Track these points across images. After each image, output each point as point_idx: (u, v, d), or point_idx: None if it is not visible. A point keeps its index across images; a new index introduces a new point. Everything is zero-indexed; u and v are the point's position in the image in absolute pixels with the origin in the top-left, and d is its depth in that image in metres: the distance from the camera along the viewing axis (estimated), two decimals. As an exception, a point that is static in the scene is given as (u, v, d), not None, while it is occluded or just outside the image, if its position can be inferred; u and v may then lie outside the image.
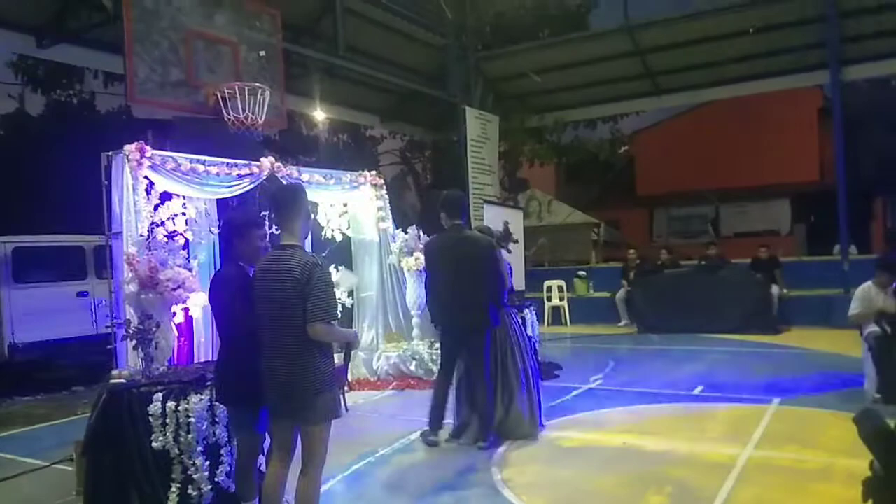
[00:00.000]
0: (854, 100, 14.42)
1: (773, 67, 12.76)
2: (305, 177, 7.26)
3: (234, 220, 3.88)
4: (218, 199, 6.37)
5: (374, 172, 8.26)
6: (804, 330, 10.64)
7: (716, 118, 19.51)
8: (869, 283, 6.36)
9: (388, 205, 8.20)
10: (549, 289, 13.37)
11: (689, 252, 14.40)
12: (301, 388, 3.24)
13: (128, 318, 4.77)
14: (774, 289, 11.05)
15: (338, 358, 3.54)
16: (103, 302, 9.07)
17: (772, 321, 10.72)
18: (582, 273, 14.22)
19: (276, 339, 3.29)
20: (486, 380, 5.38)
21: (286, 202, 3.49)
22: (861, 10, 11.13)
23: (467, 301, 5.34)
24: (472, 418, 5.54)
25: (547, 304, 13.16)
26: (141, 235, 5.29)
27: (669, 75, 13.68)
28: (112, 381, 4.21)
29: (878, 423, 2.57)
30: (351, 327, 8.03)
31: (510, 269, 6.14)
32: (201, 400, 3.98)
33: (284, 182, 6.63)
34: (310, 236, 7.35)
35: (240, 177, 6.43)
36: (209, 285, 3.81)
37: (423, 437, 5.53)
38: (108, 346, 5.22)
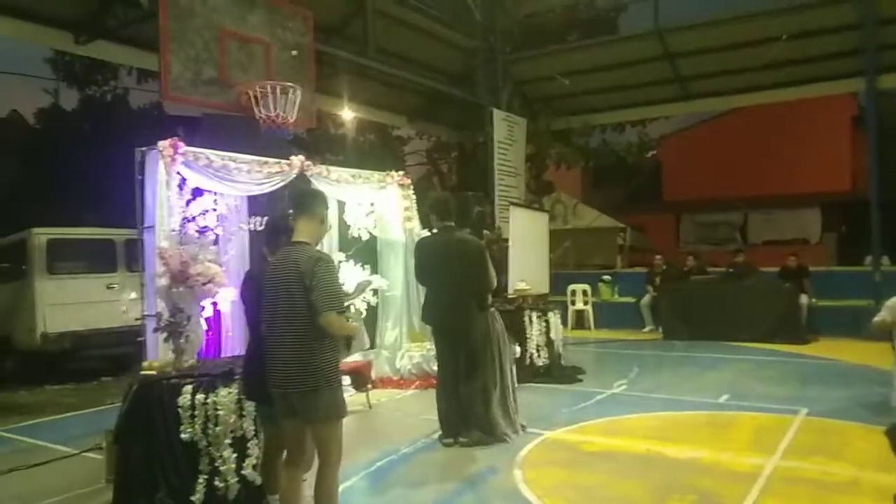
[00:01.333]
0: (888, 109, 14.16)
1: (806, 75, 12.58)
2: (334, 176, 7.33)
3: (279, 219, 3.91)
4: (248, 196, 6.46)
5: (401, 172, 8.32)
6: (832, 340, 10.48)
7: (745, 124, 19.30)
8: (897, 297, 6.25)
9: (414, 205, 8.24)
10: (574, 292, 13.32)
11: (716, 259, 14.24)
12: (300, 383, 3.27)
13: (159, 311, 4.86)
14: (803, 298, 10.88)
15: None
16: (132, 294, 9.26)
17: (800, 331, 10.57)
18: (607, 277, 14.14)
19: (280, 333, 3.33)
20: (471, 379, 5.44)
21: (304, 203, 3.57)
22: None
23: (454, 301, 5.42)
24: (454, 416, 5.57)
25: (571, 308, 13.11)
26: (173, 230, 5.38)
27: (699, 80, 13.55)
28: (143, 372, 4.29)
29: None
30: (374, 326, 8.13)
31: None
32: (230, 393, 4.04)
33: (308, 184, 6.71)
34: (336, 235, 7.52)
35: (270, 174, 6.51)
36: (242, 281, 3.88)
37: (440, 439, 5.60)
38: (139, 339, 5.32)
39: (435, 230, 5.80)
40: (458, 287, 5.43)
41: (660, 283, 12.54)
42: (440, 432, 5.62)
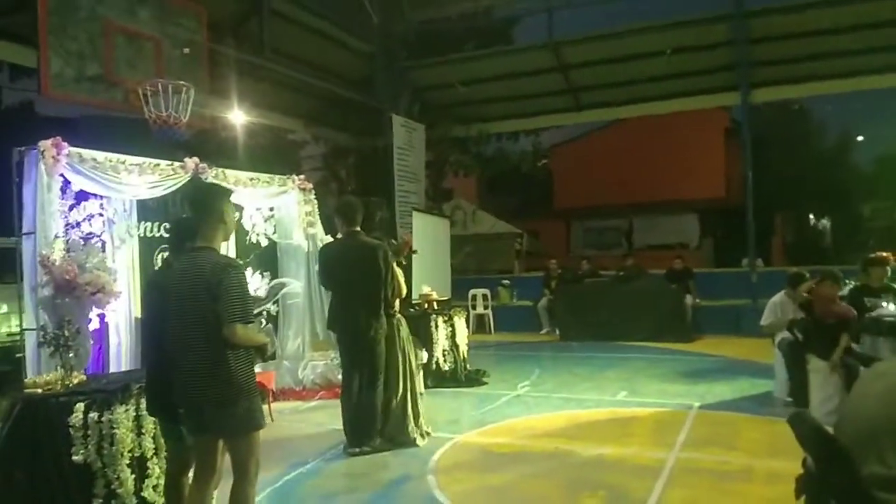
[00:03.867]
0: (757, 122, 15.32)
1: (687, 88, 13.38)
2: (231, 179, 7.07)
3: (184, 223, 3.63)
4: (138, 200, 6.08)
5: (302, 176, 8.12)
6: (715, 338, 11.14)
7: (630, 135, 20.30)
8: (781, 293, 6.73)
9: (316, 210, 8.05)
10: (475, 297, 13.47)
11: (605, 263, 14.85)
12: (215, 397, 3.08)
13: (42, 324, 4.48)
14: (688, 298, 11.52)
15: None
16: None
17: (686, 329, 11.17)
18: (506, 282, 14.41)
19: (187, 345, 3.12)
20: (372, 387, 5.39)
21: (203, 204, 3.33)
22: (768, 37, 11.84)
23: (359, 307, 5.36)
24: (357, 424, 5.50)
25: (472, 312, 13.23)
26: (56, 236, 4.98)
27: (590, 91, 14.12)
28: (27, 390, 3.92)
29: (812, 424, 2.69)
30: (276, 335, 7.85)
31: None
32: (126, 410, 3.76)
33: (205, 182, 6.40)
34: (233, 241, 7.23)
35: (163, 177, 6.17)
36: (145, 289, 3.62)
37: (345, 450, 5.45)
38: (18, 355, 4.88)
39: (340, 235, 5.69)
40: (364, 293, 5.35)
41: (556, 286, 12.90)
42: (345, 442, 5.49)
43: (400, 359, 5.62)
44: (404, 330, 5.79)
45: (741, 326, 10.87)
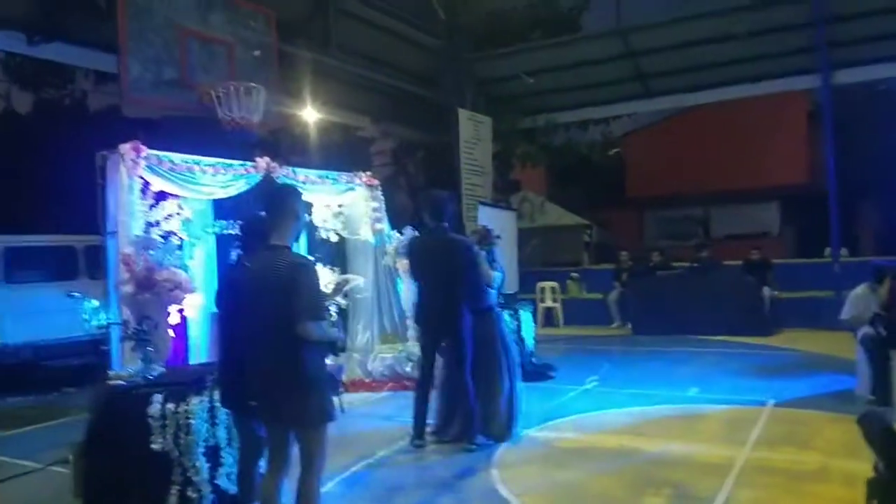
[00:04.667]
0: (842, 104, 14.55)
1: (763, 71, 12.83)
2: (301, 177, 7.25)
3: (256, 222, 3.77)
4: (214, 200, 6.34)
5: (368, 173, 8.25)
6: (795, 331, 10.72)
7: (706, 121, 19.62)
8: (863, 285, 6.42)
9: (383, 206, 8.18)
10: (542, 290, 13.39)
11: (681, 254, 14.46)
12: (289, 390, 3.21)
13: (125, 319, 4.74)
14: (766, 290, 11.10)
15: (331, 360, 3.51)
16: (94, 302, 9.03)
17: (764, 323, 10.78)
18: (575, 274, 14.25)
19: (262, 340, 3.25)
20: (466, 380, 5.38)
21: (277, 203, 3.46)
22: (851, 15, 11.22)
23: (445, 302, 5.38)
24: (453, 418, 5.57)
25: (540, 306, 13.16)
26: (137, 236, 5.25)
27: (660, 78, 13.72)
28: (110, 382, 4.17)
29: (882, 424, 2.59)
30: (346, 329, 8.05)
31: (502, 270, 6.13)
32: (201, 401, 3.95)
33: (278, 183, 6.60)
34: (304, 237, 7.43)
35: (235, 177, 6.40)
36: (218, 286, 3.78)
37: (411, 442, 5.53)
38: (103, 348, 5.18)
39: (426, 230, 5.70)
40: (448, 288, 5.37)
41: (626, 278, 12.67)
42: (412, 434, 5.55)
43: (502, 353, 5.62)
44: (503, 324, 5.83)
45: (823, 320, 10.36)
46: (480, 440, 5.39)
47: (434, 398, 5.65)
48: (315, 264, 3.52)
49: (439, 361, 5.64)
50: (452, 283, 5.36)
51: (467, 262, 5.39)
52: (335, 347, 3.46)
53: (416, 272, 5.71)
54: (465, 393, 5.38)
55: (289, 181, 6.97)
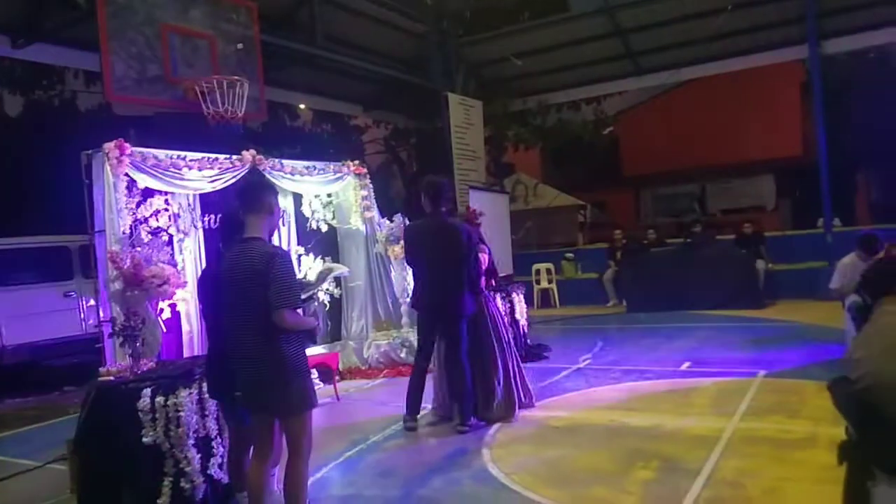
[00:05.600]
0: (834, 74, 14.49)
1: (752, 44, 12.77)
2: (288, 168, 7.27)
3: (233, 215, 3.82)
4: (201, 194, 6.37)
5: (356, 162, 8.27)
6: (790, 303, 10.77)
7: (698, 96, 19.51)
8: (851, 254, 6.45)
9: (372, 194, 8.20)
10: (538, 272, 13.44)
11: (678, 231, 14.48)
12: (270, 378, 3.28)
13: (114, 315, 4.79)
14: (760, 263, 11.15)
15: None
16: (90, 301, 9.10)
17: (757, 296, 10.83)
18: (569, 255, 14.29)
19: (241, 330, 3.32)
20: (463, 363, 5.44)
21: (250, 198, 3.51)
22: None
23: (444, 286, 5.42)
24: (450, 401, 5.65)
25: (536, 287, 13.23)
26: (124, 233, 5.29)
27: (650, 55, 13.68)
28: (100, 378, 4.22)
29: (849, 388, 2.63)
30: (340, 317, 8.11)
31: (489, 251, 6.19)
32: (190, 394, 4.00)
33: (255, 177, 6.63)
34: (294, 228, 7.48)
35: (221, 171, 6.42)
36: (198, 280, 3.83)
37: (403, 422, 5.60)
38: (97, 345, 5.24)
39: (426, 215, 5.73)
40: (451, 272, 5.40)
41: (621, 257, 12.72)
42: (405, 414, 5.60)
43: (493, 335, 5.69)
44: (493, 306, 5.88)
45: (817, 290, 10.41)
46: (473, 422, 5.46)
47: (433, 379, 5.71)
48: (296, 255, 3.57)
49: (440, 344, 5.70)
50: (454, 267, 5.40)
51: (467, 247, 5.43)
52: (314, 336, 3.52)
53: (414, 258, 5.70)
54: (462, 375, 5.44)
55: (275, 173, 7.01)
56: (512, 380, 5.72)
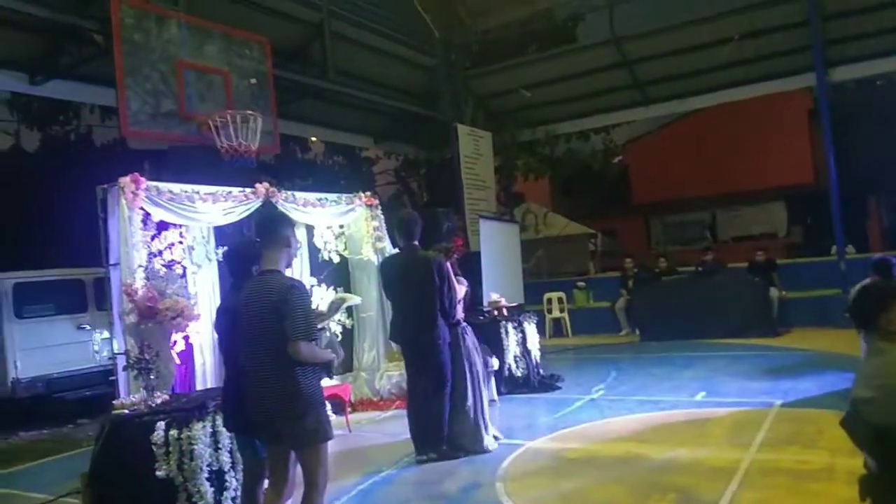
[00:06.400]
0: (843, 101, 14.52)
1: (760, 72, 12.86)
2: (301, 200, 7.34)
3: (244, 247, 3.89)
4: (216, 227, 6.43)
5: (368, 193, 8.33)
6: (804, 331, 10.67)
7: (707, 124, 19.59)
8: (865, 281, 6.40)
9: (383, 224, 8.25)
10: (550, 301, 13.39)
11: (688, 258, 14.43)
12: (285, 410, 3.29)
13: (128, 348, 4.82)
14: (773, 291, 11.07)
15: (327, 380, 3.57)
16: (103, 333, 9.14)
17: (771, 324, 10.74)
18: (581, 284, 14.24)
19: (258, 362, 3.34)
20: (444, 404, 5.51)
21: (268, 230, 3.57)
22: (844, 12, 11.28)
23: (419, 320, 5.52)
24: (422, 432, 5.60)
25: (548, 317, 13.17)
26: (139, 266, 5.34)
27: (657, 85, 13.79)
28: (115, 411, 4.24)
29: (862, 426, 2.61)
30: (352, 348, 8.10)
31: (467, 285, 6.33)
32: (204, 427, 4.01)
33: (272, 210, 6.70)
34: (306, 259, 7.51)
35: (235, 204, 6.49)
36: (215, 313, 3.86)
37: (415, 458, 5.59)
38: (111, 378, 5.26)
39: (399, 249, 5.90)
40: (421, 304, 5.51)
41: (633, 285, 12.66)
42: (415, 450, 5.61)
43: (466, 367, 5.71)
44: (469, 338, 5.89)
45: (831, 318, 10.35)
46: (441, 453, 5.50)
47: (416, 419, 5.68)
48: (309, 286, 3.61)
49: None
50: (426, 300, 5.50)
51: (439, 278, 5.52)
52: (330, 368, 3.54)
53: (389, 292, 5.89)
54: (440, 415, 5.50)
55: (288, 205, 7.07)
56: (479, 414, 5.72)
